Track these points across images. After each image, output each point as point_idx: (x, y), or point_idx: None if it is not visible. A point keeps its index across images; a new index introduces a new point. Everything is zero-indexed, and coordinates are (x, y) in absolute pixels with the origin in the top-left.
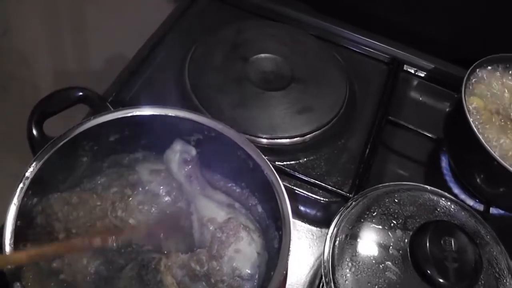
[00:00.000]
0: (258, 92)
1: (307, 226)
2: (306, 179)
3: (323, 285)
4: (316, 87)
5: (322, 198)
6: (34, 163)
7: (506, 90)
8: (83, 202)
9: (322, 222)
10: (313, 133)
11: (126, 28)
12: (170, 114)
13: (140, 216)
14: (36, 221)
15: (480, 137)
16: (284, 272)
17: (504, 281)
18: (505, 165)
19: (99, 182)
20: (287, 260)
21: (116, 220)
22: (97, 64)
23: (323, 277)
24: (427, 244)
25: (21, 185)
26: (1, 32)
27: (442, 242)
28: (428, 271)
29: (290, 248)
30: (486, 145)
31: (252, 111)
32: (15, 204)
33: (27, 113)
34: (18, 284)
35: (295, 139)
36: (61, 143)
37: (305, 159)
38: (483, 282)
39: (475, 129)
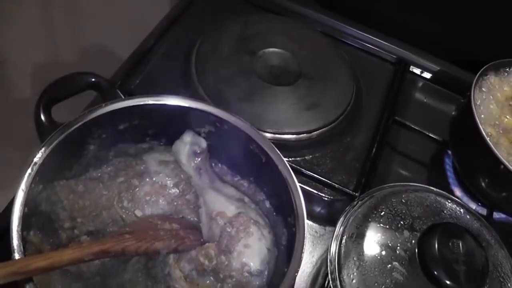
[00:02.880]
0: (265, 86)
1: (310, 223)
2: (311, 175)
3: (328, 282)
4: (323, 84)
5: (327, 196)
6: (43, 148)
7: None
8: (89, 191)
9: (325, 220)
10: (320, 130)
11: (126, 21)
12: (183, 105)
13: (146, 208)
14: (41, 208)
15: (488, 140)
16: (298, 269)
17: (509, 285)
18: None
19: (105, 171)
20: (301, 257)
21: (122, 210)
22: (95, 55)
23: (329, 274)
24: (436, 246)
25: (29, 170)
26: None
27: (450, 244)
28: (436, 273)
29: (304, 245)
30: (494, 148)
31: (258, 105)
32: (23, 190)
33: (24, 102)
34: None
35: (302, 135)
36: (71, 130)
37: (311, 156)
38: (488, 285)
39: (484, 134)
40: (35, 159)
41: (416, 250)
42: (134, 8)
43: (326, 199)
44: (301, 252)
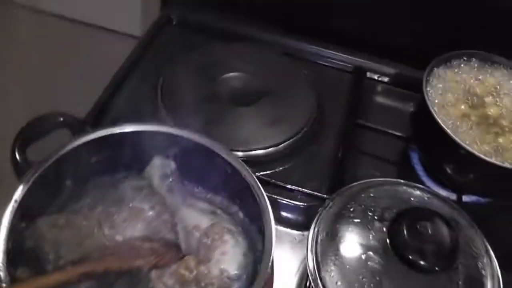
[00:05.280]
0: (229, 108)
1: (289, 231)
2: (284, 185)
3: (310, 283)
4: (285, 100)
5: (301, 203)
6: (21, 186)
7: (462, 84)
8: (70, 223)
9: (303, 226)
10: (286, 142)
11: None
12: (146, 130)
13: (126, 232)
14: (26, 245)
15: (445, 127)
16: (267, 270)
17: (482, 259)
18: (473, 151)
19: (84, 203)
20: (270, 254)
21: (103, 238)
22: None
23: (309, 276)
24: (405, 230)
25: (10, 208)
26: None
27: (418, 227)
28: (408, 255)
29: (273, 244)
30: (452, 134)
31: (225, 127)
32: (5, 226)
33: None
34: None
35: (269, 149)
36: (46, 166)
37: (281, 168)
38: (462, 262)
39: (440, 122)
40: (15, 197)
41: (387, 238)
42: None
43: (301, 206)
44: (271, 250)
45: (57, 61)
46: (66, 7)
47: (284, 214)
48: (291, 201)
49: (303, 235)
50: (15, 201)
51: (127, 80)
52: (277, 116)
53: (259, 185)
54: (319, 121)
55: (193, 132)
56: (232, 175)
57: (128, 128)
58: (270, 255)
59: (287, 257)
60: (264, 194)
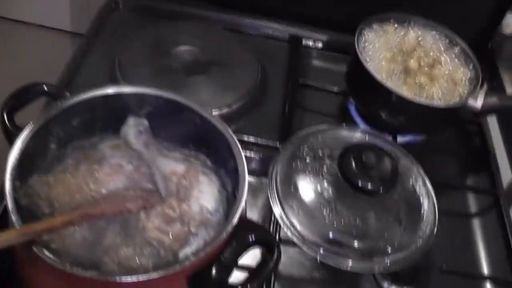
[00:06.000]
0: (183, 78)
1: (250, 179)
2: (241, 139)
3: (276, 221)
4: (232, 68)
5: (256, 154)
6: (14, 150)
7: (388, 41)
8: (58, 181)
9: (262, 174)
10: (238, 103)
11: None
12: (123, 91)
13: (110, 186)
14: (21, 203)
15: (377, 77)
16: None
17: (419, 182)
18: (402, 94)
19: (68, 164)
20: (245, 178)
21: (91, 192)
22: None
23: (274, 212)
24: (352, 162)
25: (10, 163)
26: None
27: (363, 158)
28: (357, 182)
29: (246, 170)
30: (383, 82)
31: (181, 94)
32: (9, 179)
33: None
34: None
35: (224, 110)
36: (34, 129)
37: (235, 126)
38: (402, 185)
39: (373, 73)
40: (11, 160)
41: (338, 170)
42: None
43: (257, 157)
44: (245, 179)
45: None
46: None
47: None
48: (248, 154)
49: (261, 182)
50: (15, 158)
51: (82, 66)
52: (226, 83)
53: (229, 129)
54: (264, 84)
55: (162, 90)
56: (202, 125)
57: (106, 90)
58: (245, 180)
59: (249, 203)
60: (231, 133)
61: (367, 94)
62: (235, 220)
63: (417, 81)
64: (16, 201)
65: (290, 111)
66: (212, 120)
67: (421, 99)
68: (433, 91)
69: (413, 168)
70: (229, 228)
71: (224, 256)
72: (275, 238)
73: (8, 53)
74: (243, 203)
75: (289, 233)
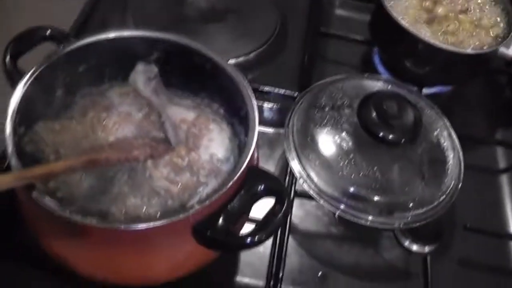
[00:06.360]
0: (199, 26)
1: (266, 130)
2: (258, 88)
3: (291, 174)
4: (250, 15)
5: (275, 104)
6: (16, 93)
7: None
8: (65, 128)
9: (279, 125)
10: (255, 52)
11: None
12: (129, 35)
13: (118, 134)
14: (26, 150)
15: (404, 24)
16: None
17: (444, 135)
18: (431, 42)
19: (75, 111)
20: (255, 128)
21: (98, 140)
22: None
23: (289, 163)
24: (372, 110)
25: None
26: None
27: (384, 106)
28: (377, 132)
29: (256, 119)
30: (411, 29)
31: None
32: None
33: None
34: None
35: (240, 58)
36: (39, 71)
37: (252, 76)
38: (425, 137)
39: (399, 20)
40: (13, 104)
41: (357, 118)
42: None
43: (275, 107)
44: (255, 123)
45: None
46: None
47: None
48: (266, 104)
49: (279, 134)
50: (16, 102)
51: (94, 13)
52: (244, 31)
53: (236, 70)
54: (283, 33)
55: (172, 34)
56: (212, 71)
57: (112, 34)
58: (255, 125)
59: (266, 154)
60: (241, 76)
61: (392, 42)
62: (243, 167)
63: (444, 28)
64: (20, 147)
65: (310, 61)
66: (222, 64)
67: (449, 46)
68: (462, 38)
69: (438, 120)
70: (236, 176)
71: (231, 205)
72: (287, 188)
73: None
74: (252, 150)
75: (305, 186)
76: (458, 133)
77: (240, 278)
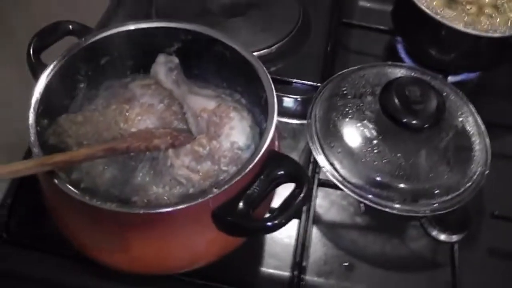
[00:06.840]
0: (221, 20)
1: (289, 121)
2: (280, 79)
3: (315, 162)
4: (272, 9)
5: (297, 95)
6: (39, 84)
7: None
8: (87, 120)
9: (302, 116)
10: (278, 44)
11: None
12: (149, 26)
13: (140, 126)
14: (49, 142)
15: (427, 11)
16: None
17: (469, 121)
18: (456, 27)
19: (98, 103)
20: (274, 113)
21: (120, 131)
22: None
23: (312, 151)
24: (394, 96)
25: (34, 99)
26: None
27: (407, 92)
28: (400, 117)
29: (275, 104)
30: (435, 16)
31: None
32: (32, 112)
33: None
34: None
35: (263, 51)
36: (61, 63)
37: (275, 68)
38: (451, 124)
39: (422, 7)
40: (36, 94)
41: (379, 105)
42: None
43: (298, 98)
44: (274, 105)
45: None
46: None
47: (282, 107)
48: (288, 95)
49: (303, 124)
50: (36, 98)
51: (119, 8)
52: (266, 24)
53: (260, 64)
54: (306, 25)
55: (192, 23)
56: (232, 60)
57: (132, 26)
58: (274, 109)
59: (289, 146)
60: (261, 64)
61: (415, 30)
62: (262, 151)
63: (468, 13)
64: (43, 139)
65: (333, 52)
66: (242, 51)
67: (475, 30)
68: (487, 23)
69: (463, 106)
70: (256, 160)
71: (251, 190)
72: (306, 172)
73: None
74: (271, 133)
75: (328, 175)
76: (486, 120)
77: (265, 269)
